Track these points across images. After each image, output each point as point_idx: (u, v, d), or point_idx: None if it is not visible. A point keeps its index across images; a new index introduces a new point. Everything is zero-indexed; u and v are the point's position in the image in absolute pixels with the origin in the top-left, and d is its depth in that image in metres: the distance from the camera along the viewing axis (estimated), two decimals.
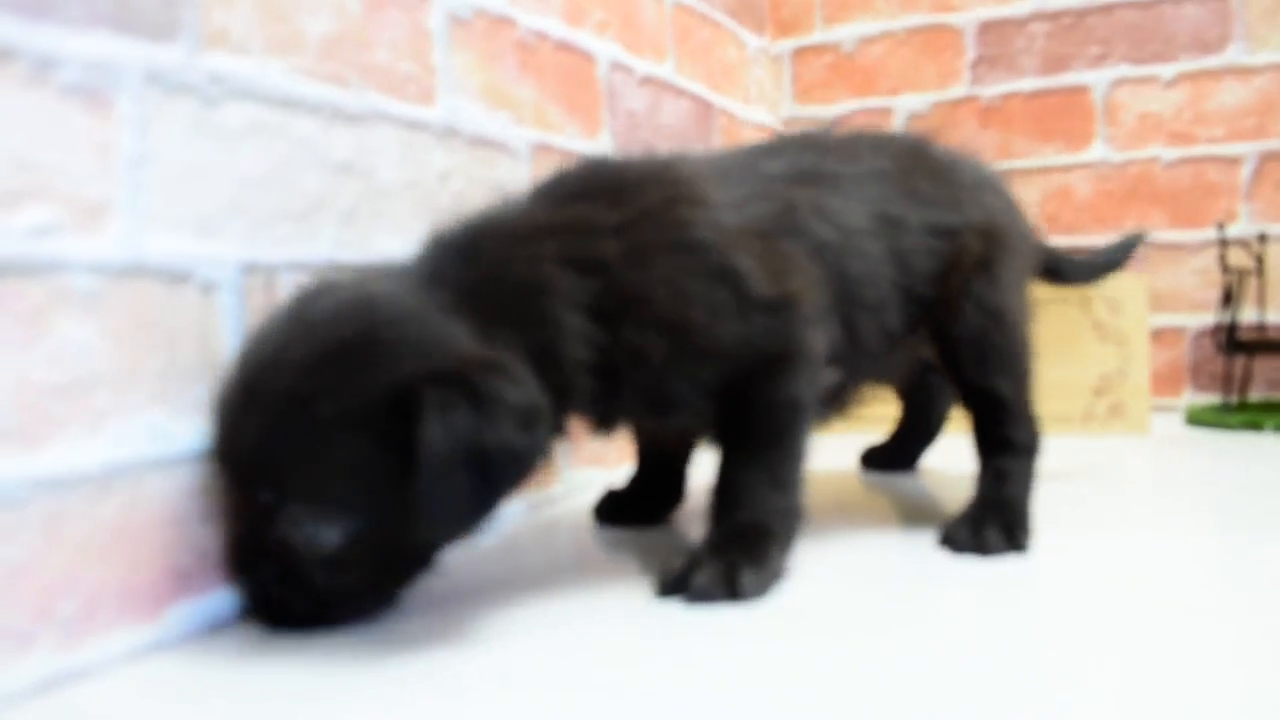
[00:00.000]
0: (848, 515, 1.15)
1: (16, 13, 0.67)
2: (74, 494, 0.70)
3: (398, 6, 1.02)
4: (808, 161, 0.97)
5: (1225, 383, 1.71)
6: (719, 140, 1.75)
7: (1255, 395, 1.73)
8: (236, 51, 0.84)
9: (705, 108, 1.72)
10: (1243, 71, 1.75)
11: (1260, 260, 1.69)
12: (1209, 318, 1.79)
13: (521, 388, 0.73)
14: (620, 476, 1.18)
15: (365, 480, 0.72)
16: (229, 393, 0.75)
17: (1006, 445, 1.03)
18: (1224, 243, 1.64)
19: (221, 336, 0.82)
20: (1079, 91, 1.84)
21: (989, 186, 1.09)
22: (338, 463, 0.72)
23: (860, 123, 1.97)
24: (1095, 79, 1.83)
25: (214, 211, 0.82)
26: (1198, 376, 1.79)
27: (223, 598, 0.81)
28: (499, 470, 0.72)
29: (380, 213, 0.99)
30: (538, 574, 0.94)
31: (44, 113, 0.70)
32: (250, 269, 0.85)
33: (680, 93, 1.63)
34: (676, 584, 0.83)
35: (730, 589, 0.80)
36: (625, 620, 0.79)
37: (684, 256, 0.84)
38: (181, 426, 0.78)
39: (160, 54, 0.77)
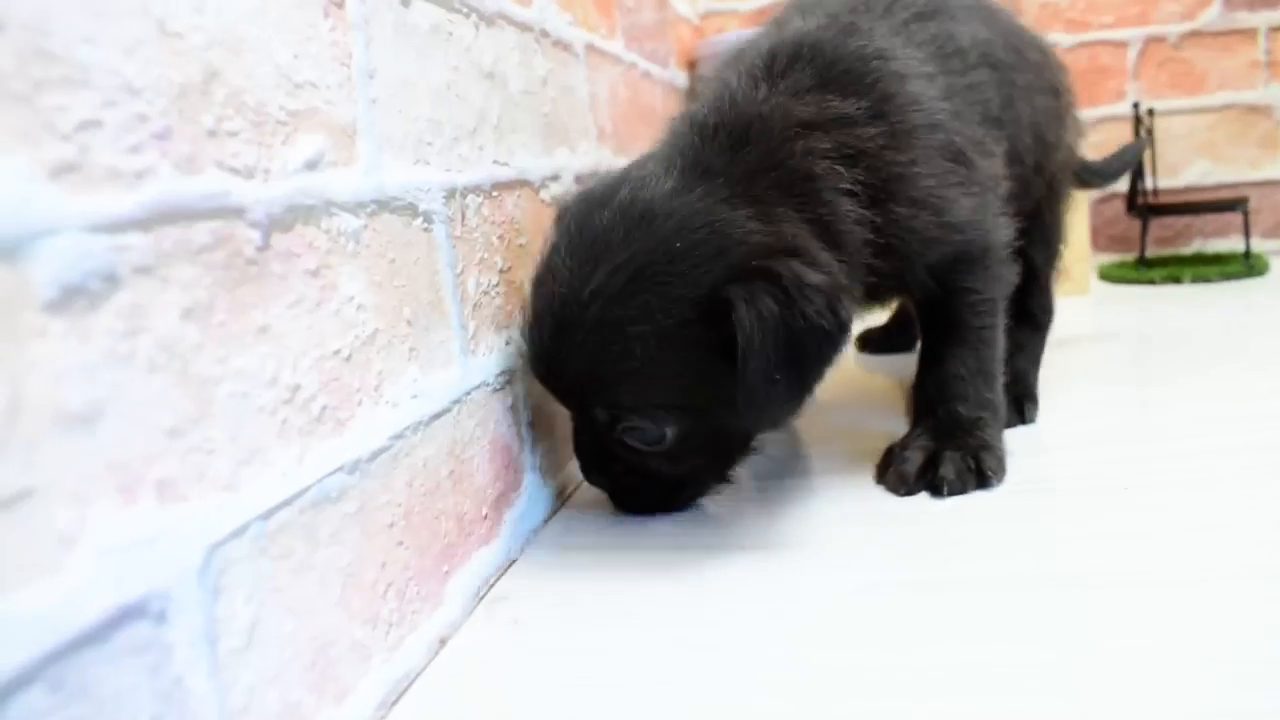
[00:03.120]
0: (857, 401, 1.10)
1: None
2: (374, 476, 0.55)
3: None
4: (964, 32, 0.89)
5: (1128, 242, 1.79)
6: (672, 31, 1.62)
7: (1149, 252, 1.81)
8: None
9: (663, 2, 1.58)
10: None
11: (1150, 133, 1.75)
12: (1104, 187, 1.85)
13: (819, 267, 0.68)
14: None
15: (686, 385, 0.69)
16: (543, 326, 0.70)
17: (1026, 318, 1.02)
18: (1138, 119, 1.69)
19: (443, 275, 0.66)
20: None
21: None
22: (659, 376, 0.68)
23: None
24: None
25: (423, 131, 0.65)
26: (1098, 239, 1.86)
27: (480, 561, 0.68)
28: (813, 351, 0.67)
29: (517, 125, 0.83)
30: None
31: (299, 15, 0.52)
32: (450, 195, 0.69)
33: None
34: (920, 479, 0.78)
35: (979, 478, 0.77)
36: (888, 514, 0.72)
37: (930, 135, 0.78)
38: (431, 382, 0.63)
39: None
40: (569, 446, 0.89)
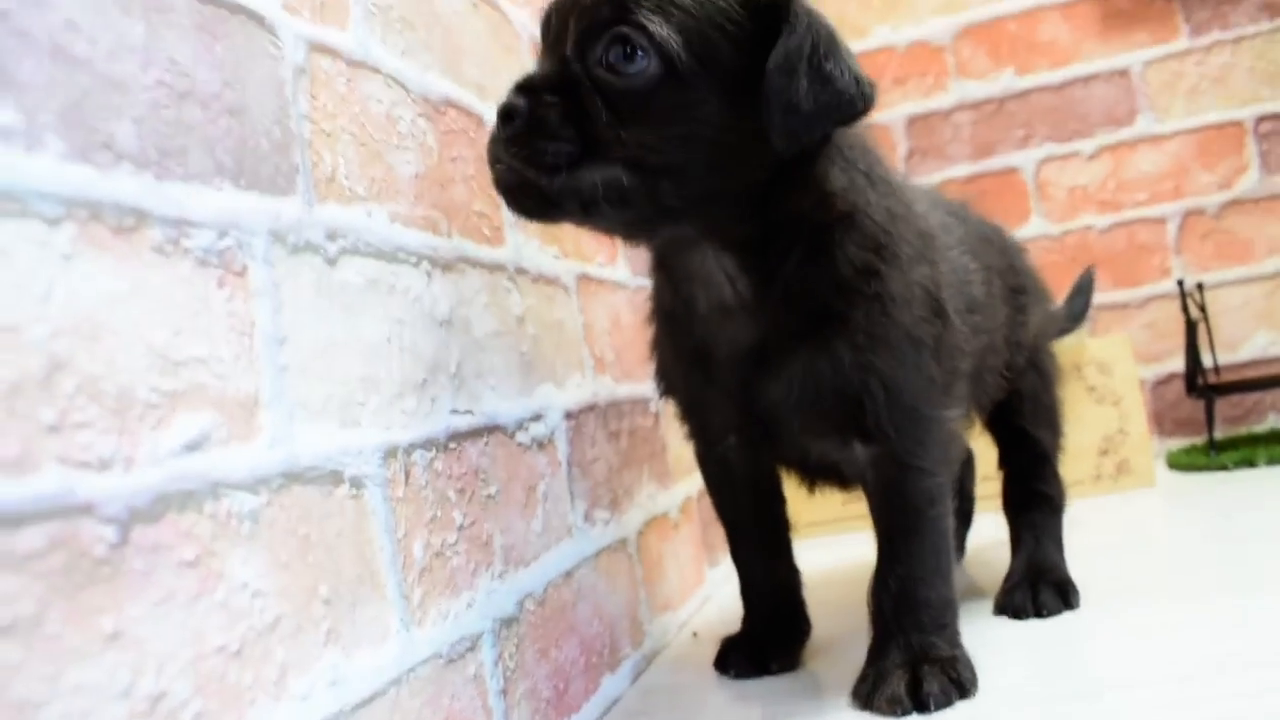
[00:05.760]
0: None
1: (142, 166, 0.48)
2: None
3: (464, 138, 0.86)
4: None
5: (1196, 425, 1.69)
6: None
7: (1219, 433, 1.70)
8: (345, 199, 0.66)
9: None
10: (1154, 139, 1.77)
11: (1203, 309, 1.68)
12: (1161, 368, 1.77)
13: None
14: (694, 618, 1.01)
15: (711, 33, 0.70)
16: None
17: (1042, 500, 1.07)
18: (1185, 295, 1.62)
19: (378, 543, 0.62)
20: (1010, 173, 1.82)
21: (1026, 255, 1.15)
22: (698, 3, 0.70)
23: None
24: (1023, 160, 1.81)
25: (353, 391, 0.63)
26: (1163, 423, 1.76)
27: None
28: (831, 95, 0.71)
29: (484, 369, 0.81)
30: None
31: (184, 290, 0.50)
32: (389, 455, 0.65)
33: None
34: (907, 700, 0.77)
35: (960, 689, 0.78)
36: None
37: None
38: (358, 665, 0.58)
39: (280, 208, 0.59)
40: (560, 708, 0.82)
